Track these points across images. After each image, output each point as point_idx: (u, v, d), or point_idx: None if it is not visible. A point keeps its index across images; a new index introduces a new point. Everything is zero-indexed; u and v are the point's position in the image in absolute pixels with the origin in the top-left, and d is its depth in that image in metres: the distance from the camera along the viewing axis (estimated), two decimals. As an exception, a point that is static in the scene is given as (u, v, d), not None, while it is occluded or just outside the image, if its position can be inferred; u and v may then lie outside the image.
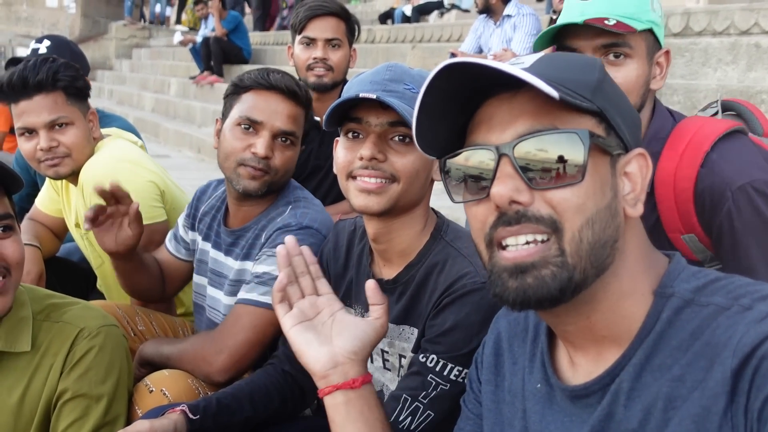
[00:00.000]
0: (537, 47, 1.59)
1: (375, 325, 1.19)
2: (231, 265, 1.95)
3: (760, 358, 0.75)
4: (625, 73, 1.50)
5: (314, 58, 2.63)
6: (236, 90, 1.86)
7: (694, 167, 1.52)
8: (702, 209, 1.54)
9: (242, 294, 1.81)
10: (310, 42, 2.65)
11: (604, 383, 0.88)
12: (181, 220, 2.15)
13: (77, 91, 2.25)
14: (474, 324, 1.31)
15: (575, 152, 0.83)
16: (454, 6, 9.29)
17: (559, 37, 1.56)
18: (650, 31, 1.53)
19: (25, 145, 2.20)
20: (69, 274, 2.57)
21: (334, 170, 1.46)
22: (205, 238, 2.06)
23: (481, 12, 5.24)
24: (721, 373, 0.77)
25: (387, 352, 1.51)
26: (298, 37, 2.69)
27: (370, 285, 1.21)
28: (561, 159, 0.83)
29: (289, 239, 1.25)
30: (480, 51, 5.06)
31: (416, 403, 1.31)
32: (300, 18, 2.68)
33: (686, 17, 4.82)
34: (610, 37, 1.48)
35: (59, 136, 2.19)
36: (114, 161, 2.23)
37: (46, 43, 3.01)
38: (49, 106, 2.16)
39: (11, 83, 2.13)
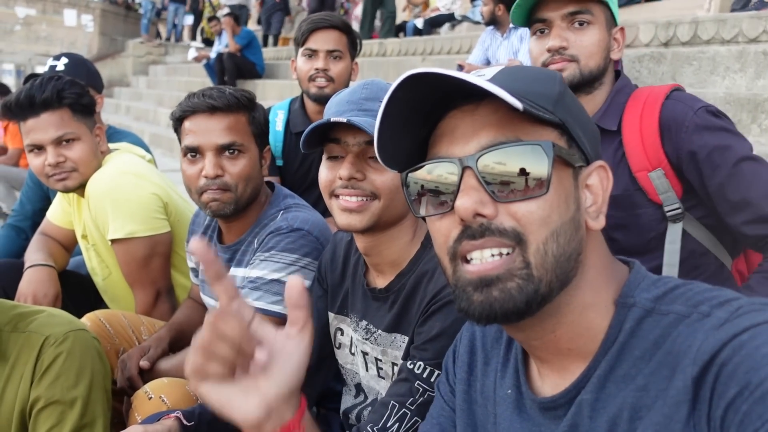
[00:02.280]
0: (514, 19, 1.80)
1: (302, 346, 0.91)
2: None
3: (720, 366, 0.74)
4: (589, 37, 1.73)
5: (316, 69, 2.70)
6: (175, 125, 1.91)
7: (657, 104, 1.71)
8: (669, 135, 1.69)
9: None
10: (312, 53, 2.71)
11: (570, 396, 0.87)
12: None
13: (83, 107, 2.32)
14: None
15: (539, 164, 0.82)
16: (465, 18, 9.33)
17: (531, 11, 1.77)
18: (607, 5, 1.76)
19: (34, 161, 2.27)
20: (77, 288, 2.61)
21: (320, 188, 1.50)
22: None
23: (487, 24, 5.26)
24: (682, 381, 0.77)
25: (380, 360, 1.52)
26: (300, 50, 2.75)
27: (296, 283, 0.91)
28: (525, 171, 0.82)
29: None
30: (488, 63, 5.08)
31: (404, 409, 1.33)
32: (302, 31, 2.75)
33: (694, 26, 4.81)
34: (576, 5, 1.72)
35: (66, 152, 2.26)
36: (118, 174, 2.29)
37: (64, 60, 3.10)
38: (55, 123, 2.23)
39: (19, 102, 2.20)
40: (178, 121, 1.89)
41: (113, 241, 2.26)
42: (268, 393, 0.88)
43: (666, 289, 0.86)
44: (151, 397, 1.68)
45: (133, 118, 12.50)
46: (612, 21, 1.79)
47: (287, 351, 0.90)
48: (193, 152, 1.85)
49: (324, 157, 1.47)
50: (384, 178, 1.40)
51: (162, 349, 1.99)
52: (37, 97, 2.20)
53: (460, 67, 4.68)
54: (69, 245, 2.67)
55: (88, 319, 2.10)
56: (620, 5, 6.78)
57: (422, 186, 0.89)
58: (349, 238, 1.67)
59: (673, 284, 0.86)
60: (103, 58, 16.82)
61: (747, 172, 1.63)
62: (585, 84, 1.75)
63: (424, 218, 0.94)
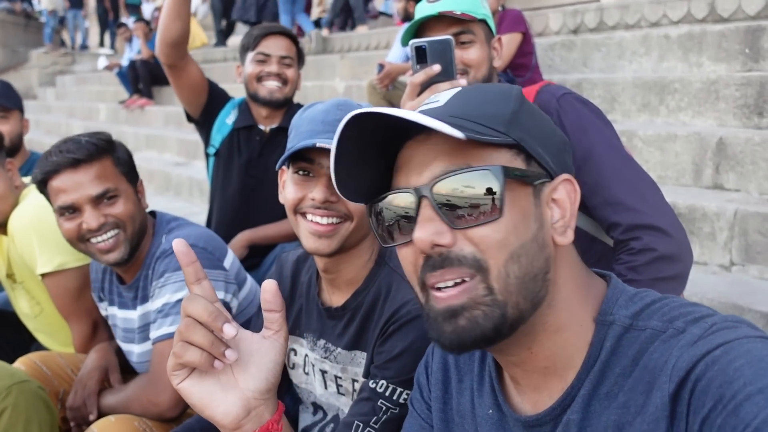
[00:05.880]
0: (404, 41, 1.88)
1: (277, 346, 1.01)
2: (134, 316, 1.99)
3: (694, 381, 0.76)
4: (473, 53, 1.88)
5: (267, 72, 2.74)
6: (40, 187, 1.88)
7: (530, 101, 1.83)
8: None
9: (153, 333, 1.85)
10: (265, 58, 2.75)
11: (555, 414, 0.88)
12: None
13: None
14: (420, 349, 1.34)
15: (491, 189, 0.82)
16: (381, 14, 9.37)
17: (419, 32, 1.89)
18: (485, 22, 1.91)
19: None
20: (9, 326, 2.52)
21: (281, 200, 1.49)
22: (111, 303, 2.09)
23: (403, 20, 5.32)
24: (660, 398, 0.78)
25: (340, 378, 1.54)
26: (250, 54, 2.77)
27: (270, 287, 1.01)
28: (478, 197, 0.82)
29: (177, 243, 1.01)
30: (407, 59, 5.14)
31: (368, 428, 1.35)
32: (254, 36, 2.78)
33: (600, 13, 5.02)
34: (459, 26, 1.86)
35: None
36: (40, 207, 2.22)
37: None
38: None
39: None
40: (42, 184, 1.85)
41: (44, 275, 2.20)
42: (246, 388, 0.97)
43: (643, 305, 0.87)
44: (100, 438, 1.66)
45: (44, 132, 11.97)
46: (490, 34, 1.93)
47: (263, 350, 0.99)
48: (71, 210, 1.82)
49: (289, 171, 1.45)
50: None
51: (118, 373, 1.99)
52: None
53: (381, 67, 4.73)
54: (-9, 285, 2.57)
55: (22, 363, 2.04)
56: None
57: (386, 216, 0.90)
58: (296, 258, 1.68)
59: (650, 299, 0.88)
60: (5, 71, 16.00)
61: (600, 156, 1.69)
62: None
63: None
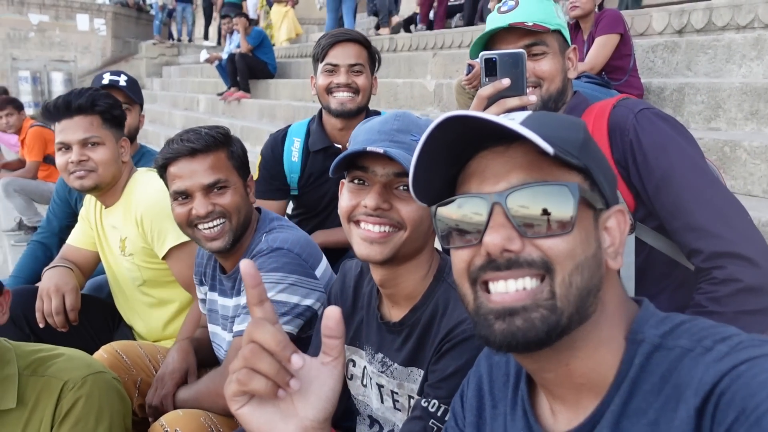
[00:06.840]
0: (473, 53, 1.80)
1: (336, 373, 0.96)
2: (230, 304, 2.05)
3: (719, 395, 0.78)
4: (545, 65, 1.78)
5: (337, 84, 2.65)
6: (160, 171, 1.99)
7: (605, 115, 1.71)
8: (615, 142, 1.67)
9: (235, 327, 1.91)
10: (333, 69, 2.66)
11: (585, 430, 0.90)
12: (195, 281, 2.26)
13: (113, 117, 2.52)
14: None
15: (566, 204, 0.87)
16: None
17: (490, 44, 1.80)
18: (559, 32, 1.81)
19: (60, 159, 2.48)
20: (95, 311, 2.64)
21: (339, 212, 1.49)
22: (212, 289, 2.16)
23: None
24: (686, 412, 0.80)
25: (397, 393, 1.52)
26: (320, 65, 2.70)
27: (333, 314, 0.96)
28: (552, 211, 0.87)
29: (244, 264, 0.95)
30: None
31: None
32: (322, 46, 2.70)
33: (708, 12, 4.72)
34: (531, 37, 1.76)
35: (90, 153, 2.45)
36: (163, 190, 2.31)
37: (124, 77, 3.27)
38: (85, 126, 2.45)
39: (57, 105, 2.45)
40: (162, 168, 1.97)
41: (171, 249, 2.36)
42: (305, 417, 0.93)
43: (673, 325, 0.90)
44: (167, 431, 1.70)
45: (148, 121, 12.59)
46: (565, 44, 1.84)
47: (322, 377, 0.96)
48: (183, 195, 1.93)
49: (346, 181, 1.45)
50: (410, 208, 1.38)
51: (196, 376, 2.05)
52: (73, 102, 2.43)
53: (470, 67, 4.63)
54: (87, 269, 2.70)
55: (104, 351, 2.13)
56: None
57: (451, 219, 0.94)
58: (359, 270, 1.67)
59: (680, 320, 0.91)
60: (116, 61, 16.96)
61: (681, 176, 1.57)
62: (548, 107, 1.75)
63: (447, 251, 0.98)
